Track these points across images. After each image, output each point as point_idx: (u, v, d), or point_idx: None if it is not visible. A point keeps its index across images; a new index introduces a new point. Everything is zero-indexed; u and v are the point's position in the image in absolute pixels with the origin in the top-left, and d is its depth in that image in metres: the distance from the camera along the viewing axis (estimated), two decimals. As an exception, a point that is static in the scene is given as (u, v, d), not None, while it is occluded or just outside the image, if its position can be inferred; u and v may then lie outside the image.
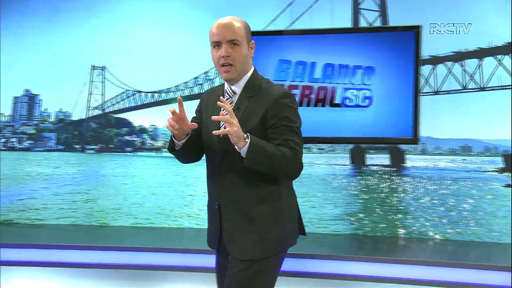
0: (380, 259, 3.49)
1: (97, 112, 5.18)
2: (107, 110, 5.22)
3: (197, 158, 2.26)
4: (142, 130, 5.29)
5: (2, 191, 4.86)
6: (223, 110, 1.97)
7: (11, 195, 4.92)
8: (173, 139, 2.09)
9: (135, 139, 5.28)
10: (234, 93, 2.12)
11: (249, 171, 1.99)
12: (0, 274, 3.67)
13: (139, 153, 5.45)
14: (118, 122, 5.30)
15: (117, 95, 5.24)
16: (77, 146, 5.54)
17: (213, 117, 1.91)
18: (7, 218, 4.62)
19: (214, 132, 1.91)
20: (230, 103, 2.10)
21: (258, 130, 2.02)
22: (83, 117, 5.24)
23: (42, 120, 5.27)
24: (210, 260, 3.41)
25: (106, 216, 4.91)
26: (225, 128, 1.91)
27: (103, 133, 5.07)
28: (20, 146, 5.33)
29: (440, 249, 4.03)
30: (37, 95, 5.01)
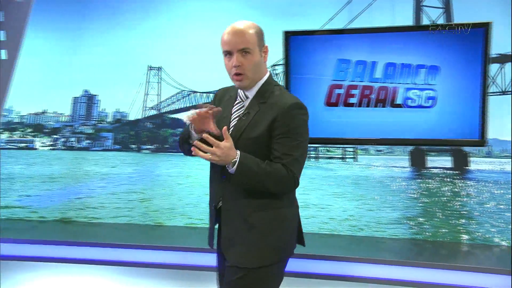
0: (441, 265, 3.38)
1: (153, 112, 5.29)
2: (162, 111, 5.32)
3: None
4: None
5: (61, 189, 5.06)
6: (234, 113, 2.10)
7: (70, 193, 5.13)
8: (192, 130, 2.09)
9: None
10: (247, 97, 2.13)
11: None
12: (48, 270, 3.82)
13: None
14: (173, 122, 5.39)
15: (173, 96, 5.32)
16: (133, 146, 5.65)
17: (205, 135, 1.92)
18: (66, 216, 4.81)
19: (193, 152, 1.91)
20: (242, 107, 2.12)
21: (264, 138, 2.02)
22: (139, 117, 5.36)
23: (100, 120, 5.44)
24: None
25: (161, 216, 5.02)
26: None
27: (159, 133, 5.16)
28: (79, 146, 5.52)
29: (506, 256, 3.85)
30: (96, 95, 5.17)
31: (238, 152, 1.96)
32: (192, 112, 2.01)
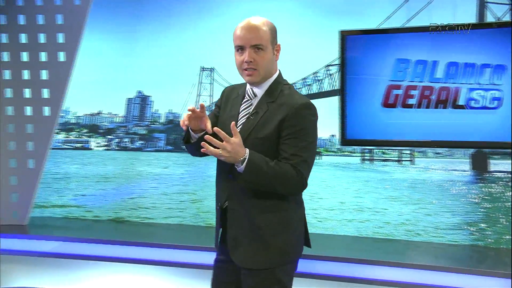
0: (505, 274, 3.23)
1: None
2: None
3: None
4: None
5: (115, 189, 5.21)
6: (241, 111, 2.11)
7: (123, 193, 5.26)
8: (190, 131, 2.12)
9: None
10: (255, 95, 2.13)
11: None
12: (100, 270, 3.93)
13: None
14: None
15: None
16: (184, 147, 5.73)
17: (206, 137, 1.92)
18: (119, 216, 4.95)
19: (203, 146, 1.92)
20: (250, 105, 2.13)
21: (273, 138, 2.02)
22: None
23: (153, 121, 5.55)
24: (324, 267, 3.39)
25: (212, 217, 5.05)
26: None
27: (211, 134, 5.22)
28: (132, 146, 5.65)
29: None
30: (149, 96, 5.28)
31: (247, 150, 1.96)
32: (186, 114, 2.08)
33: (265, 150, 2.01)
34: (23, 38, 4.23)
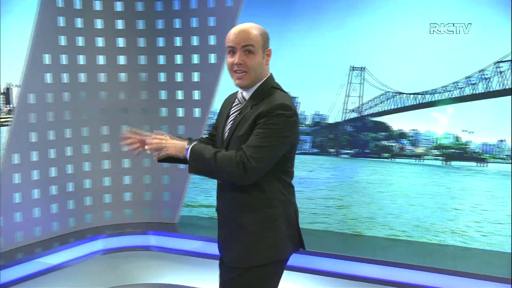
0: None
1: (353, 115, 5.25)
2: (364, 113, 5.25)
3: None
4: (402, 135, 5.15)
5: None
6: (231, 114, 2.29)
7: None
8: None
9: (393, 144, 5.18)
10: (244, 99, 2.28)
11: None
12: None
13: (397, 160, 5.33)
14: (375, 125, 5.28)
15: (376, 97, 5.22)
16: (331, 150, 5.72)
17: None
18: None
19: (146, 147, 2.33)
20: (239, 109, 2.27)
21: (249, 135, 2.13)
22: (339, 120, 5.37)
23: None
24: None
25: (359, 225, 4.97)
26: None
27: (359, 137, 5.12)
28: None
29: None
30: (296, 97, 5.34)
31: (190, 143, 2.19)
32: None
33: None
34: (178, 41, 4.54)
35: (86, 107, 4.43)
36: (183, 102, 4.59)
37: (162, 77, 4.61)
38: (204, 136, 2.67)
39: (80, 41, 4.33)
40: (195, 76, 4.52)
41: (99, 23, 4.42)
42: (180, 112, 4.62)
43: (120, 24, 4.50)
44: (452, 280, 3.50)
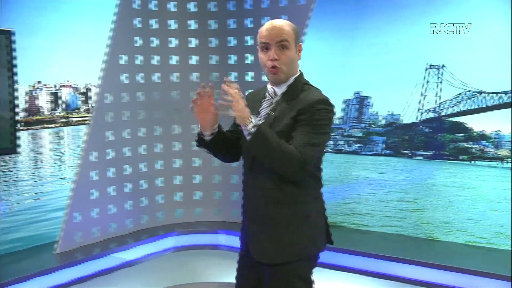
0: None
1: (429, 115, 5.11)
2: (441, 113, 5.10)
3: (233, 158, 2.47)
4: (483, 136, 4.95)
5: (329, 193, 5.30)
6: (262, 110, 2.27)
7: (338, 197, 5.32)
8: (201, 132, 2.31)
9: (472, 146, 5.00)
10: (276, 94, 2.28)
11: (276, 173, 2.13)
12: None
13: (477, 162, 5.13)
14: (453, 126, 5.11)
15: (454, 97, 5.04)
16: (405, 152, 5.58)
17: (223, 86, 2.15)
18: (334, 221, 5.00)
19: (220, 102, 2.16)
20: (270, 104, 2.27)
21: (289, 131, 2.13)
22: (414, 120, 5.25)
23: (371, 123, 5.51)
24: None
25: (434, 229, 4.80)
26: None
27: (435, 138, 4.97)
28: (348, 149, 5.69)
29: None
30: (368, 97, 5.25)
31: (255, 118, 2.11)
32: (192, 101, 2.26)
33: None
34: (249, 41, 4.58)
35: (159, 106, 4.56)
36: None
37: (233, 76, 4.66)
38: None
39: (155, 42, 4.46)
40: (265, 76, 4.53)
41: (173, 24, 4.53)
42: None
43: (192, 25, 4.60)
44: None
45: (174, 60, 4.59)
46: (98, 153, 4.18)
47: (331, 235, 2.38)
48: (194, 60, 4.65)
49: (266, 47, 2.22)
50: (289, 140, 2.12)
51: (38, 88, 4.55)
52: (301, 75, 2.33)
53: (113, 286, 4.00)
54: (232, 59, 4.65)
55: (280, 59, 2.21)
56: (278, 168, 2.14)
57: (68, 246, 4.07)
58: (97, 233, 4.24)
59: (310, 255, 2.28)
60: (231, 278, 4.37)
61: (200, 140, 2.36)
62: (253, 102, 2.39)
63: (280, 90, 2.29)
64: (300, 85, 2.27)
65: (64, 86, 4.74)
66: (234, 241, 4.45)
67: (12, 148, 3.60)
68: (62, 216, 4.10)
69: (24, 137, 4.49)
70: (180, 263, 4.46)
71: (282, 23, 2.23)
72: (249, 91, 4.50)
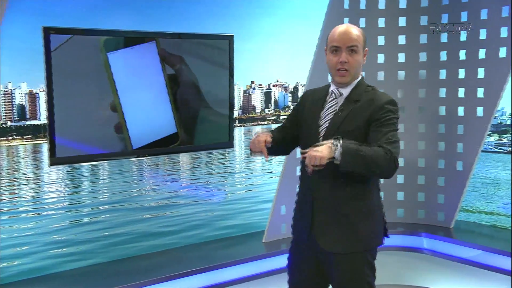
0: None
1: None
2: None
3: (286, 153, 2.91)
4: None
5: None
6: (327, 108, 2.49)
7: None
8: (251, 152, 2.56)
9: None
10: (340, 94, 2.48)
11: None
12: None
13: None
14: None
15: None
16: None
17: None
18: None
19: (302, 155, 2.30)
20: (335, 104, 2.48)
21: (361, 130, 2.36)
22: None
23: None
24: None
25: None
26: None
27: None
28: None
29: None
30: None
31: (336, 140, 2.22)
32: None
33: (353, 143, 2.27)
34: (463, 36, 4.42)
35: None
36: (464, 100, 4.46)
37: (443, 74, 4.55)
38: (273, 128, 2.77)
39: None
40: (480, 72, 4.35)
41: (381, 22, 4.60)
42: (460, 110, 4.49)
43: (402, 21, 4.60)
44: None
45: (380, 58, 4.65)
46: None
47: (387, 228, 2.57)
48: (401, 58, 4.65)
49: (336, 50, 2.42)
50: (360, 141, 2.31)
51: (252, 87, 5.02)
52: (363, 78, 2.54)
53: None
54: (443, 56, 4.54)
55: (349, 63, 2.41)
56: (372, 173, 2.34)
57: (274, 236, 4.40)
58: (284, 230, 4.45)
59: (375, 246, 2.50)
60: (432, 284, 4.33)
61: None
62: (313, 99, 2.61)
63: (344, 91, 2.49)
64: (363, 87, 2.49)
65: (274, 85, 5.14)
66: (439, 246, 4.38)
67: (229, 143, 4.03)
68: (269, 208, 4.46)
69: (240, 133, 5.00)
70: (379, 263, 4.49)
71: (353, 28, 2.44)
72: (461, 89, 4.41)
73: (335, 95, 2.51)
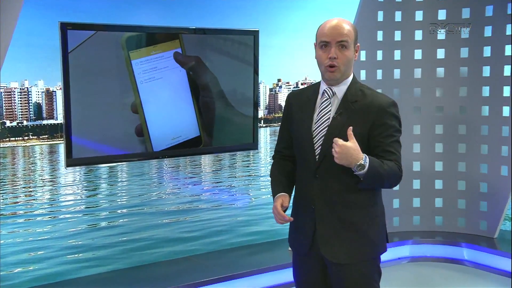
0: None
1: None
2: None
3: None
4: None
5: None
6: (321, 110, 2.41)
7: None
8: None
9: None
10: (334, 93, 2.41)
11: (346, 175, 2.29)
12: None
13: None
14: None
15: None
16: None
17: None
18: None
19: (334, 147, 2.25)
20: (329, 104, 2.41)
21: (364, 135, 2.33)
22: None
23: None
24: None
25: None
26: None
27: None
28: None
29: None
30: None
31: (365, 156, 2.23)
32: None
33: None
34: (508, 29, 4.25)
35: (399, 104, 4.51)
36: (510, 100, 4.28)
37: (487, 71, 4.38)
38: (276, 157, 2.72)
39: (397, 36, 4.44)
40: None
41: (418, 15, 4.45)
42: (506, 111, 4.31)
43: (441, 15, 4.44)
44: None
45: (418, 54, 4.50)
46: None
47: (387, 234, 2.55)
48: (440, 53, 4.49)
49: (325, 45, 2.34)
50: (363, 146, 2.28)
51: (278, 86, 4.92)
52: (354, 75, 2.47)
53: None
54: (487, 51, 4.36)
55: (339, 59, 2.33)
56: (383, 187, 2.44)
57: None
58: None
59: (380, 253, 2.49)
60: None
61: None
62: (300, 102, 2.51)
63: (338, 90, 2.42)
64: (358, 86, 2.44)
65: (303, 84, 5.03)
66: (481, 257, 4.21)
67: (253, 144, 3.95)
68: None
69: (265, 133, 4.90)
70: (415, 274, 4.33)
71: (343, 22, 2.36)
72: (507, 87, 4.23)
73: (328, 95, 2.43)
